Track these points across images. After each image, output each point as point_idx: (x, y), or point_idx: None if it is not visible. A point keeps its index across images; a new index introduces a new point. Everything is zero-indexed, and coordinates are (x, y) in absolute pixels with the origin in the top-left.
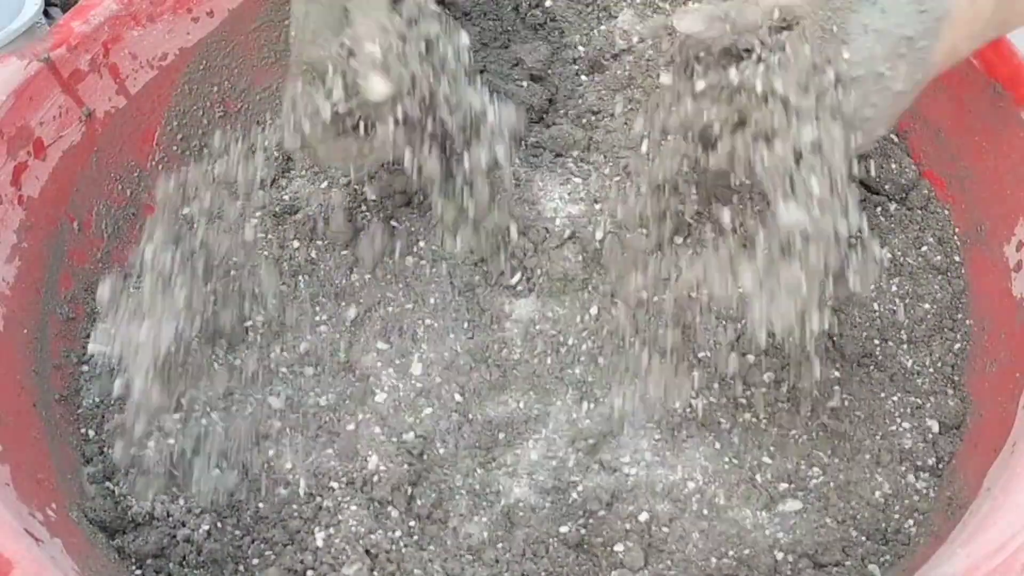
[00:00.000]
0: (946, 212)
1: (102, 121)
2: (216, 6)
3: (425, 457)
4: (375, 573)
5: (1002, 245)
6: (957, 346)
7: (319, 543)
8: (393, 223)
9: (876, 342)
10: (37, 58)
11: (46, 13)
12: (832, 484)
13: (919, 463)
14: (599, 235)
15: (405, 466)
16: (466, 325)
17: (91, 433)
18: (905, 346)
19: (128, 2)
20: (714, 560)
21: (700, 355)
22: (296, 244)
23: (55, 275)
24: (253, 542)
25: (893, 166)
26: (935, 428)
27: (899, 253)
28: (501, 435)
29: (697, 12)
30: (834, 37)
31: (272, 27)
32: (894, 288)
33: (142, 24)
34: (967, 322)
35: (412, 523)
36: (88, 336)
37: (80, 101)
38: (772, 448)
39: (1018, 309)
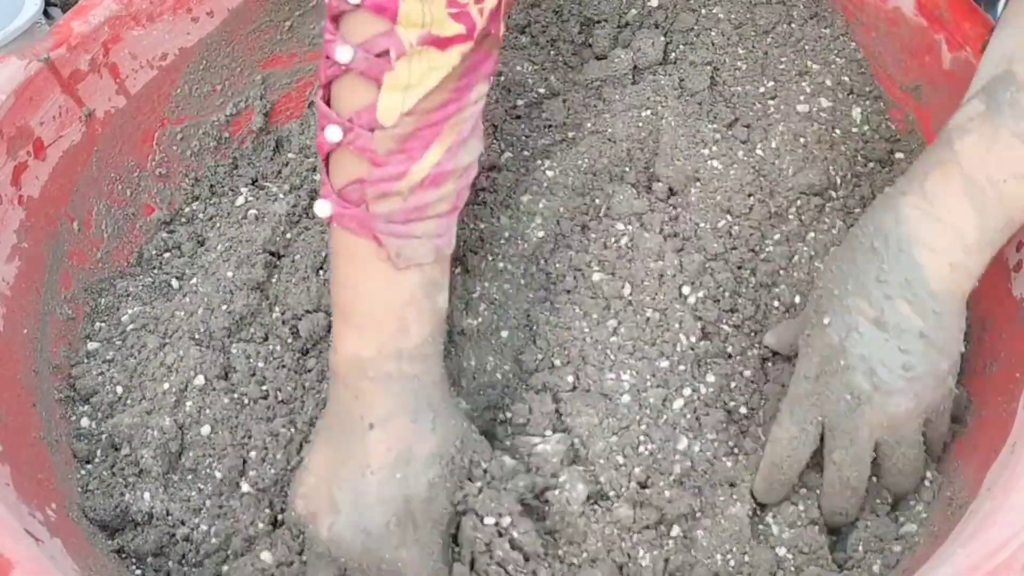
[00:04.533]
0: None
1: (102, 121)
2: (216, 6)
3: None
4: None
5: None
6: None
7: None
8: None
9: None
10: (37, 58)
11: (46, 13)
12: None
13: None
14: None
15: None
16: None
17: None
18: None
19: (128, 2)
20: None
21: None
22: None
23: (55, 275)
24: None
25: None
26: None
27: None
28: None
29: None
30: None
31: (272, 27)
32: None
33: (142, 24)
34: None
35: None
36: (88, 336)
37: (80, 101)
38: None
39: (1018, 309)
